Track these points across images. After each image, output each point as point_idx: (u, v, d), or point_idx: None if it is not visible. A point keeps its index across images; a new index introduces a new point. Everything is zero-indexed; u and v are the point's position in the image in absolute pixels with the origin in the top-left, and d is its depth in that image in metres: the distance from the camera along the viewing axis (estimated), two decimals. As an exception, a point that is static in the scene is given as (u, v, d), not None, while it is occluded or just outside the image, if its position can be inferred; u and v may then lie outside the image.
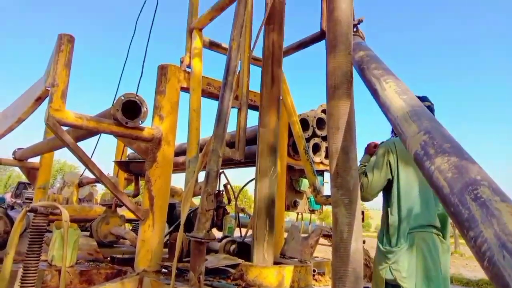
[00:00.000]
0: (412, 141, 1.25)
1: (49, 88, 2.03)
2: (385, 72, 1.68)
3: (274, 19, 2.15)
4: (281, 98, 2.32)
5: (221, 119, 1.94)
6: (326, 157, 3.24)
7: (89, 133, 2.42)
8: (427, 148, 1.16)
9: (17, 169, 5.12)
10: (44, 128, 4.22)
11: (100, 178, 2.24)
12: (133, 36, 3.31)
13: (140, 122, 2.22)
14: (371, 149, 2.84)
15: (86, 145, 2.71)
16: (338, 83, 1.44)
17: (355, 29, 2.32)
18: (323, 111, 3.29)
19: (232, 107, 2.02)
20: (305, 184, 3.09)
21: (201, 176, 2.20)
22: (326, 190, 2.98)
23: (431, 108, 2.59)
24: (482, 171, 1.04)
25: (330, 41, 1.50)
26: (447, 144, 1.13)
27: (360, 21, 2.39)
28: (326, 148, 3.24)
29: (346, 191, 1.35)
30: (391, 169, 2.44)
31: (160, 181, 2.30)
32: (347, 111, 1.43)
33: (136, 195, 3.12)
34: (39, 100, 2.50)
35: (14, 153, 4.85)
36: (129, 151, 4.69)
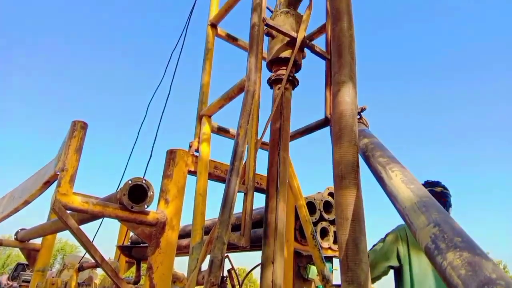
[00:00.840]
0: (422, 234, 1.22)
1: (58, 173, 2.06)
2: (391, 160, 1.70)
3: (281, 107, 2.24)
4: (287, 181, 2.33)
5: (227, 204, 1.92)
6: (335, 242, 3.15)
7: (94, 216, 2.40)
8: (438, 242, 1.13)
9: (17, 249, 5.00)
10: (48, 209, 4.21)
11: (101, 264, 2.17)
12: (143, 121, 3.45)
13: (146, 206, 2.21)
14: None
15: (88, 226, 2.69)
16: (345, 173, 1.45)
17: (358, 117, 2.41)
18: (330, 194, 3.27)
19: (238, 192, 2.02)
20: (313, 271, 2.96)
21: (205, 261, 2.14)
22: (336, 277, 2.84)
23: (445, 194, 2.57)
24: (497, 269, 1.00)
25: (336, 133, 1.54)
26: (458, 238, 1.10)
27: (363, 109, 2.48)
28: (335, 232, 3.16)
29: (357, 286, 1.29)
30: (399, 258, 2.37)
31: (162, 268, 2.22)
32: (354, 200, 1.42)
33: (137, 282, 2.99)
34: (47, 183, 2.53)
35: (16, 233, 4.78)
36: (131, 232, 4.61)
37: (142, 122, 3.47)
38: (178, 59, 3.26)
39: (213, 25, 2.90)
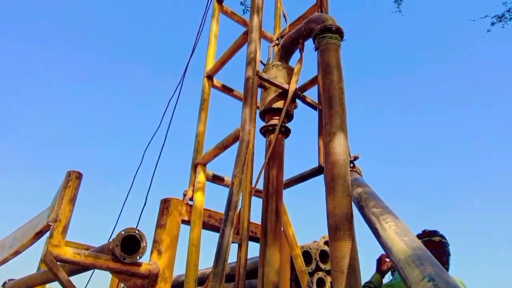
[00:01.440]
0: (417, 289, 1.20)
1: (51, 223, 2.04)
2: (384, 210, 1.70)
3: (274, 156, 2.27)
4: (282, 230, 2.31)
5: (220, 256, 1.90)
6: (332, 292, 3.07)
7: (86, 268, 2.35)
8: (434, 297, 1.12)
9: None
10: (39, 257, 4.09)
11: (90, 319, 2.10)
12: (138, 168, 3.45)
13: (138, 257, 2.17)
14: (383, 265, 2.70)
15: (79, 277, 2.61)
16: (339, 223, 1.45)
17: (351, 165, 2.43)
18: (326, 242, 3.22)
19: (232, 242, 2.00)
20: (310, 324, 2.86)
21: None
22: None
23: (444, 243, 2.54)
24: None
25: (329, 182, 1.56)
26: (453, 293, 1.10)
27: (356, 158, 2.51)
28: (331, 283, 3.09)
29: None
30: None
31: (154, 322, 2.15)
32: (349, 252, 1.41)
33: (127, 337, 2.87)
34: (40, 234, 2.49)
35: (4, 284, 4.61)
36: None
37: (137, 170, 3.48)
38: (174, 108, 3.33)
39: (209, 77, 2.99)
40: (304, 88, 2.89)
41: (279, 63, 2.40)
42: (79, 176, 2.18)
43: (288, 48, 2.42)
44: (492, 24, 6.48)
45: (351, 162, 2.42)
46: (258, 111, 2.54)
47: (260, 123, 2.47)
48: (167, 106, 3.39)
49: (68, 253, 2.01)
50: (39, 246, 2.28)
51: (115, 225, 3.01)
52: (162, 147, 3.25)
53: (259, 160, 2.44)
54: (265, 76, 2.24)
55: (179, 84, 3.38)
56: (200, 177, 2.65)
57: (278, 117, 2.28)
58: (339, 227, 1.48)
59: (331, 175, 1.58)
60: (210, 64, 3.04)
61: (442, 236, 2.65)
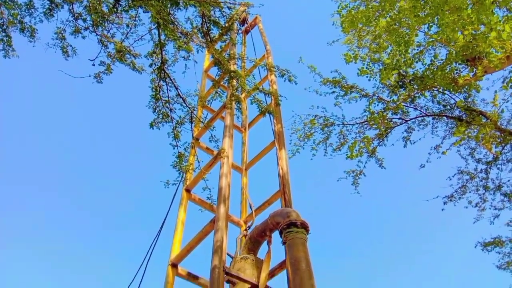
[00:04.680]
0: None
1: None
2: None
3: None
4: None
5: None
6: None
7: None
8: None
9: None
10: None
11: None
12: None
13: None
14: None
15: None
16: None
17: None
18: None
19: None
20: None
21: None
22: None
23: None
24: None
25: None
26: None
27: None
28: None
29: None
30: None
31: None
32: None
33: None
34: None
35: None
36: None
37: None
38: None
39: (174, 265, 2.87)
40: (272, 273, 2.80)
41: (247, 255, 2.37)
42: None
43: (256, 240, 2.42)
44: (445, 203, 7.31)
45: None
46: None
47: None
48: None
49: None
50: None
51: None
52: None
53: None
54: (232, 271, 2.17)
55: (138, 271, 3.21)
56: None
57: (248, 319, 2.12)
58: None
59: None
60: (176, 251, 2.96)
61: None
